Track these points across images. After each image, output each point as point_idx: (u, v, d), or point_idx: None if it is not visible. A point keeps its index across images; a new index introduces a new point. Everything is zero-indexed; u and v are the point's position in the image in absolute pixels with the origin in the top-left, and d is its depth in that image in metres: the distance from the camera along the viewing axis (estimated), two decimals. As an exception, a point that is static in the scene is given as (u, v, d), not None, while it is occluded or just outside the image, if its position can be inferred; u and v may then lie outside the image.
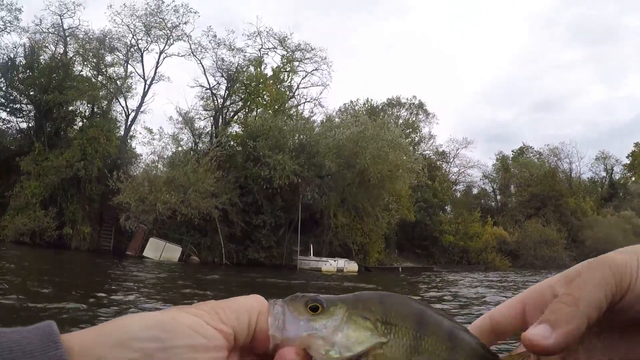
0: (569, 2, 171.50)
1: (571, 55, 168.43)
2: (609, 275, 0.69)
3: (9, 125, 51.36)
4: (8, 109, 50.18)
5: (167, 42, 54.90)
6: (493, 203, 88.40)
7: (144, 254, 40.66)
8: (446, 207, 73.45)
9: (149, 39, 54.64)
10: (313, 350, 0.73)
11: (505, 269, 63.34)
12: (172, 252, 41.49)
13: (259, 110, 54.48)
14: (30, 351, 0.55)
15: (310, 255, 45.95)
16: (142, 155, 53.14)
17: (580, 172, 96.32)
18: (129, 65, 55.16)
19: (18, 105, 50.52)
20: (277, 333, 0.72)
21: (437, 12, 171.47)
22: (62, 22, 51.30)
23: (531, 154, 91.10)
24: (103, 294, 15.75)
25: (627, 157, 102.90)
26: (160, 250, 40.91)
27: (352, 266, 44.92)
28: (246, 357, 0.74)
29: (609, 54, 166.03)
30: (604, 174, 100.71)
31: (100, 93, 51.22)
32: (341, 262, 44.38)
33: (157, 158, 49.83)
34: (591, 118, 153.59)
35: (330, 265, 43.52)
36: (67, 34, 51.79)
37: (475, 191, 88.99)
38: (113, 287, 18.19)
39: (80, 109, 52.01)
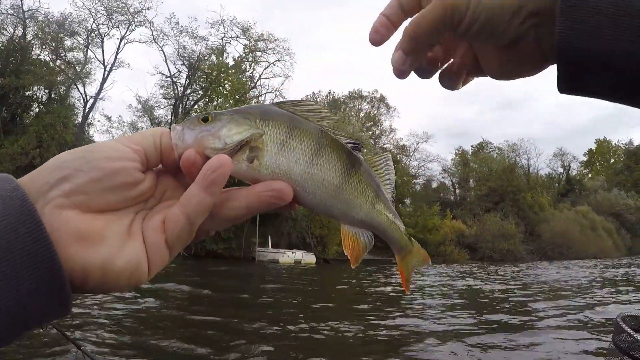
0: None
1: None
2: (443, 16, 0.85)
3: (-38, 111, 49.90)
4: (-37, 94, 48.74)
5: (128, 27, 54.23)
6: (452, 197, 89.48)
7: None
8: (406, 200, 74.35)
9: (110, 23, 53.90)
10: (206, 147, 0.87)
11: (464, 261, 64.22)
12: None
13: (219, 99, 54.03)
14: None
15: (268, 247, 46.00)
16: (99, 144, 52.38)
17: (538, 168, 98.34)
18: (88, 50, 54.24)
19: (-27, 90, 49.04)
20: (179, 142, 0.86)
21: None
22: (22, 4, 50.07)
23: (490, 150, 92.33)
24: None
25: (584, 154, 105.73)
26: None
27: (309, 258, 45.18)
28: (164, 179, 0.90)
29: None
30: (561, 170, 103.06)
31: (58, 78, 50.29)
32: (299, 254, 44.62)
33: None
34: (550, 118, 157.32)
35: (288, 257, 43.70)
36: (26, 16, 50.44)
37: (434, 185, 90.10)
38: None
39: (37, 94, 50.98)
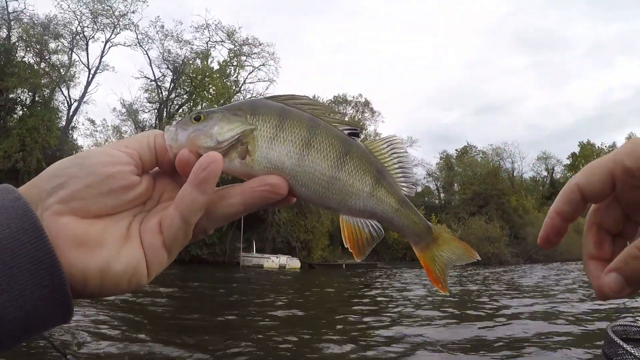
0: (515, 11, 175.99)
1: (516, 61, 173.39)
2: None
3: (-55, 113, 49.26)
4: (-54, 96, 48.12)
5: (113, 30, 54.01)
6: (437, 201, 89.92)
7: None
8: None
9: (95, 26, 53.64)
10: (199, 146, 0.87)
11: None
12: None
13: (204, 104, 53.89)
14: None
15: (252, 252, 45.99)
16: (83, 147, 51.92)
17: (522, 172, 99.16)
18: (73, 53, 53.93)
19: (-44, 92, 48.39)
20: (172, 142, 0.87)
21: (387, 17, 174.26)
22: (7, 5, 49.70)
23: (475, 153, 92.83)
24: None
25: (568, 157, 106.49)
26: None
27: (294, 263, 45.16)
28: (161, 180, 0.90)
29: (551, 61, 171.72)
30: (545, 173, 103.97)
31: (42, 81, 49.89)
32: (283, 259, 44.60)
33: (98, 150, 49.03)
34: (533, 121, 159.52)
35: (273, 262, 43.66)
36: (11, 18, 50.03)
37: (419, 189, 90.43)
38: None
39: (21, 97, 50.58)
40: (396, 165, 1.01)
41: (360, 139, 0.98)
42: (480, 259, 1.03)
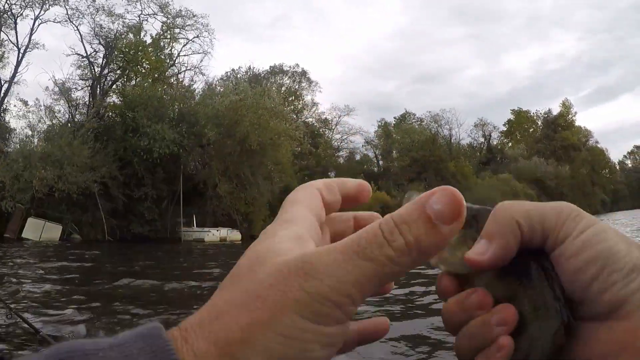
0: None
1: (453, 32, 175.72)
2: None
3: None
4: None
5: (42, 6, 52.29)
6: (375, 168, 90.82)
7: (23, 235, 38.48)
8: (330, 173, 75.29)
9: (23, 3, 51.84)
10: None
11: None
12: (53, 231, 39.94)
13: (137, 79, 53.24)
14: None
15: (193, 226, 46.01)
16: (16, 130, 50.77)
17: (459, 138, 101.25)
18: (1, 32, 52.30)
19: None
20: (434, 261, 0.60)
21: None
22: None
23: (413, 121, 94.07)
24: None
25: (504, 124, 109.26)
26: (39, 230, 39.10)
27: (235, 235, 45.36)
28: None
29: (488, 33, 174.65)
30: (482, 139, 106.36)
31: (-30, 64, 48.69)
32: (224, 231, 44.76)
33: (32, 132, 48.10)
34: (470, 90, 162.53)
35: (213, 235, 43.81)
36: None
37: (358, 157, 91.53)
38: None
39: (-52, 81, 49.24)
40: None
41: None
42: None
